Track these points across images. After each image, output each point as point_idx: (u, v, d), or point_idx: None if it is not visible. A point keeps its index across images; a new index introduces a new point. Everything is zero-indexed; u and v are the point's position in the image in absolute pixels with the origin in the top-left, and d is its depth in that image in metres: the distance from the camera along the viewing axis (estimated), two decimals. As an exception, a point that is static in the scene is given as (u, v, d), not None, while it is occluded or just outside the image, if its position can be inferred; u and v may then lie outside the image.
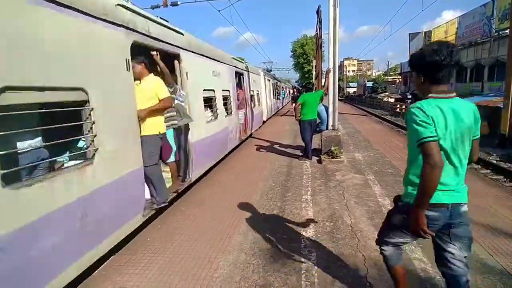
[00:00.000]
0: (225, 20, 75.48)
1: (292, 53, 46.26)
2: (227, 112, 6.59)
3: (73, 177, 2.23)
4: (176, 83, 4.12)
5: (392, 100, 27.19)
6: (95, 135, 2.46)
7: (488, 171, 6.95)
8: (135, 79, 3.19)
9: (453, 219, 1.59)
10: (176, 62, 4.26)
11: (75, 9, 2.29)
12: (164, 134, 3.56)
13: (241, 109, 8.21)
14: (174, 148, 4.16)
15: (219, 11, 12.63)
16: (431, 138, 1.44)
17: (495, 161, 7.65)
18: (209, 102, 5.58)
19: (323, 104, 6.85)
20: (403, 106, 19.35)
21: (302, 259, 2.73)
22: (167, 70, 3.75)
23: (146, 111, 3.21)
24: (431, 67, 1.56)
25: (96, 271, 2.69)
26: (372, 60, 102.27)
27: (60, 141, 2.26)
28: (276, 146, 8.28)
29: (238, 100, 7.75)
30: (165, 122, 3.63)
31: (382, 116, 18.32)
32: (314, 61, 22.35)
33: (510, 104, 8.42)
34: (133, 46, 3.05)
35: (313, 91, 6.83)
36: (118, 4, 2.86)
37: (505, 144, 8.86)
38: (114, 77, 2.77)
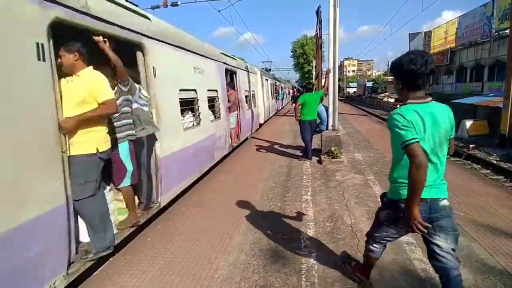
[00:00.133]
0: (225, 20, 75.99)
1: (292, 53, 46.40)
2: (214, 116, 5.83)
3: None
4: (138, 82, 3.24)
5: (392, 100, 27.22)
6: None
7: (488, 171, 6.97)
8: (65, 75, 2.41)
9: (433, 213, 1.73)
10: (139, 53, 3.31)
11: None
12: (107, 152, 2.58)
13: (233, 111, 7.36)
14: (130, 168, 2.98)
15: (219, 11, 12.62)
16: (414, 140, 1.57)
17: (495, 161, 7.67)
18: (189, 105, 4.73)
19: (323, 104, 6.86)
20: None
21: (303, 260, 2.73)
22: (121, 63, 2.79)
23: (74, 120, 2.25)
24: (408, 75, 1.69)
25: (97, 271, 2.69)
26: (372, 60, 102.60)
27: None
28: (276, 146, 8.28)
29: (229, 101, 6.94)
30: (117, 133, 2.81)
31: (382, 116, 18.28)
32: (314, 61, 22.35)
33: (510, 104, 8.44)
34: (57, 25, 2.17)
35: (313, 91, 6.82)
36: None
37: (505, 144, 8.88)
38: (10, 69, 1.83)
